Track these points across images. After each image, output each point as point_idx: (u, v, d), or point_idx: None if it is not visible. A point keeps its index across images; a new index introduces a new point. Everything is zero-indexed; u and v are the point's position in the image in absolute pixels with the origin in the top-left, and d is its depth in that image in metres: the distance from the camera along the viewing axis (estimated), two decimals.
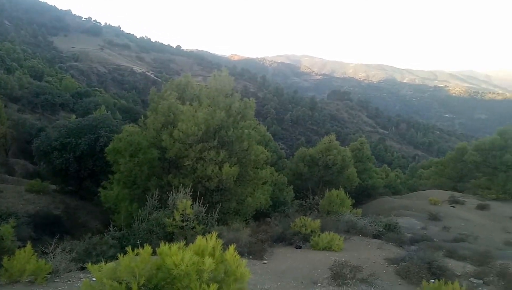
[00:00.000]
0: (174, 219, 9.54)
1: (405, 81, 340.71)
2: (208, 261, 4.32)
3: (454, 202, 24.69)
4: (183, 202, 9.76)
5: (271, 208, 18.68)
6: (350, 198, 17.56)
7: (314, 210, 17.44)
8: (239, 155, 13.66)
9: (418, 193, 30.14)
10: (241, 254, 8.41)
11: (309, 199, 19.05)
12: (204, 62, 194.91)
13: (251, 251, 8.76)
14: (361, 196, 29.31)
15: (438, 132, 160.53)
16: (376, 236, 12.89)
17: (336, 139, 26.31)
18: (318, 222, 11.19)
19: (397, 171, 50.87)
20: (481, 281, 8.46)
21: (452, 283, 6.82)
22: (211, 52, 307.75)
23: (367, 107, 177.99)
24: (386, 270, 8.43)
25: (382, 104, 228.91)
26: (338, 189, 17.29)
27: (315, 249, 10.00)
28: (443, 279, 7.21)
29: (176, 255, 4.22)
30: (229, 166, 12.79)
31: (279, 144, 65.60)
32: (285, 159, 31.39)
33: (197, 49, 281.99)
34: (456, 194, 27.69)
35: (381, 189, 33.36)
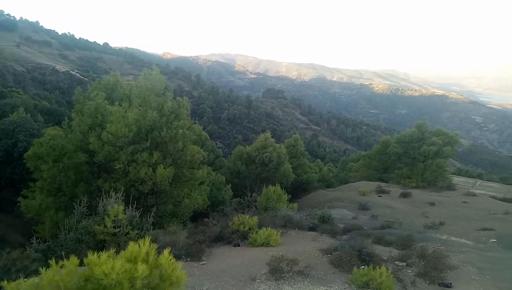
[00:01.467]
0: (105, 226, 9.04)
1: (334, 79, 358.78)
2: (141, 268, 4.17)
3: (380, 191, 26.49)
4: (115, 208, 9.29)
5: (210, 208, 18.53)
6: (286, 193, 18.02)
7: (252, 207, 17.64)
8: (174, 156, 13.32)
9: (349, 185, 31.82)
10: (178, 257, 8.24)
11: (247, 196, 19.24)
12: (135, 61, 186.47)
13: (189, 253, 8.61)
14: (297, 190, 30.31)
15: (365, 127, 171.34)
16: (311, 229, 13.40)
17: (272, 136, 26.92)
18: (255, 219, 11.33)
19: (329, 165, 53.38)
20: (405, 263, 9.19)
21: (380, 268, 7.36)
22: (142, 50, 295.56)
23: (300, 104, 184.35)
24: (320, 261, 8.79)
25: (314, 102, 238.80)
26: (275, 185, 17.66)
27: (253, 246, 10.11)
28: (372, 264, 7.75)
29: (106, 264, 4.00)
30: (164, 168, 12.42)
31: (216, 143, 65.40)
32: (223, 158, 31.34)
33: (127, 47, 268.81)
34: (382, 184, 29.72)
35: (315, 183, 34.74)
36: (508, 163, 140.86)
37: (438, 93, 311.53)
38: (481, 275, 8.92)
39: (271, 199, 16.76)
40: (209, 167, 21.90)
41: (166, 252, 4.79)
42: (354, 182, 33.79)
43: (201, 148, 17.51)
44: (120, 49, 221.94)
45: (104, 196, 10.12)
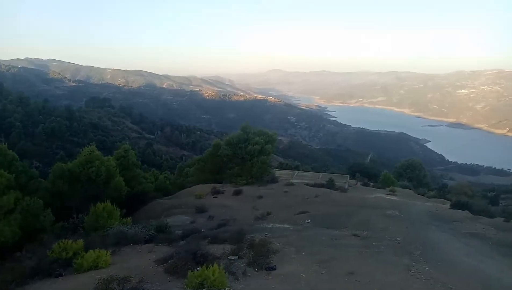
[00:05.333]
0: None
1: (164, 86, 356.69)
2: None
3: (215, 192, 27.72)
4: None
5: (25, 239, 15.72)
6: (120, 208, 16.92)
7: (79, 230, 15.88)
8: None
9: (186, 191, 32.15)
10: None
11: (72, 219, 17.18)
12: None
13: None
14: (133, 203, 28.72)
15: (199, 132, 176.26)
16: (148, 241, 12.93)
17: (102, 149, 24.83)
18: (81, 242, 10.20)
19: (166, 173, 52.62)
20: (237, 257, 9.83)
21: (212, 266, 7.64)
22: None
23: (131, 113, 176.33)
24: (156, 272, 8.56)
25: (146, 110, 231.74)
26: (105, 202, 16.36)
27: (80, 273, 9.07)
28: (206, 264, 7.98)
29: None
30: None
31: (32, 163, 56.13)
32: (41, 179, 27.00)
33: None
34: (217, 185, 31.15)
35: (152, 193, 33.66)
36: (317, 154, 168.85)
37: (259, 98, 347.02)
38: (299, 253, 10.33)
39: (101, 217, 15.46)
40: (20, 191, 18.54)
41: None
42: (190, 187, 34.28)
43: (6, 171, 14.68)
44: None
45: None
